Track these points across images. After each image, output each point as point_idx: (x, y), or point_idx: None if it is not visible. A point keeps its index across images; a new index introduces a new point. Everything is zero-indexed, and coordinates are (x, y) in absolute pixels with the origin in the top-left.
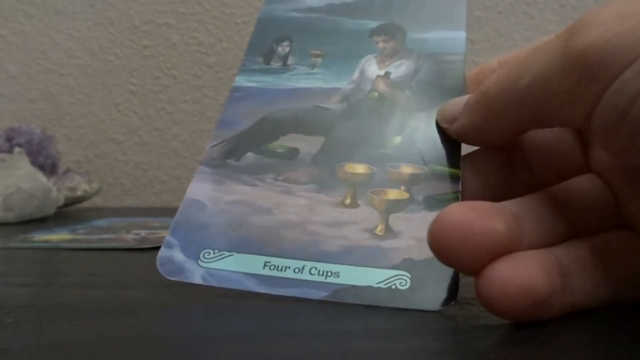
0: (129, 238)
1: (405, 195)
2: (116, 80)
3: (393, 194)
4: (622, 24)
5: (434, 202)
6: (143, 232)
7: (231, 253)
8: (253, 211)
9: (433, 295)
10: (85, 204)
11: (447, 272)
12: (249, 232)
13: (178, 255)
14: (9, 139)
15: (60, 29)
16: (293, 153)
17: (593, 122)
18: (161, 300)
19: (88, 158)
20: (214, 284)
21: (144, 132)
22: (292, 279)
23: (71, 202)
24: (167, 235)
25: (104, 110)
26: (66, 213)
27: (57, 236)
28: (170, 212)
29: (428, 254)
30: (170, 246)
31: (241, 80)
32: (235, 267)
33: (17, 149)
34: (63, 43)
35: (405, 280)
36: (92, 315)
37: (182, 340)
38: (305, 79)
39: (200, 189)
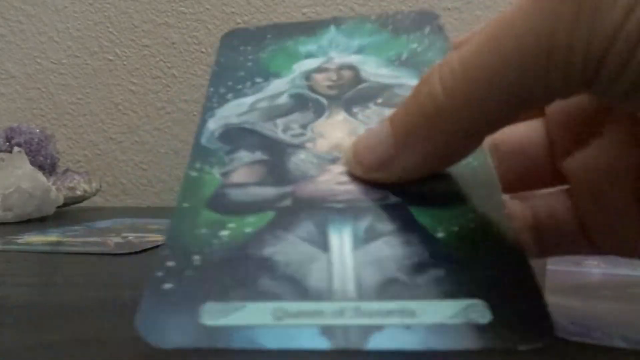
0: (112, 242)
1: None
2: (116, 79)
3: None
4: None
5: None
6: (132, 236)
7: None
8: None
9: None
10: (85, 204)
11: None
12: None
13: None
14: (9, 139)
15: (59, 28)
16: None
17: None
18: None
19: (88, 158)
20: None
21: (144, 132)
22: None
23: (71, 201)
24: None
25: (104, 110)
26: (66, 213)
27: (41, 238)
28: (170, 212)
29: None
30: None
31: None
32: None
33: (16, 149)
34: (62, 42)
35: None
36: (92, 315)
37: None
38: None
39: None
